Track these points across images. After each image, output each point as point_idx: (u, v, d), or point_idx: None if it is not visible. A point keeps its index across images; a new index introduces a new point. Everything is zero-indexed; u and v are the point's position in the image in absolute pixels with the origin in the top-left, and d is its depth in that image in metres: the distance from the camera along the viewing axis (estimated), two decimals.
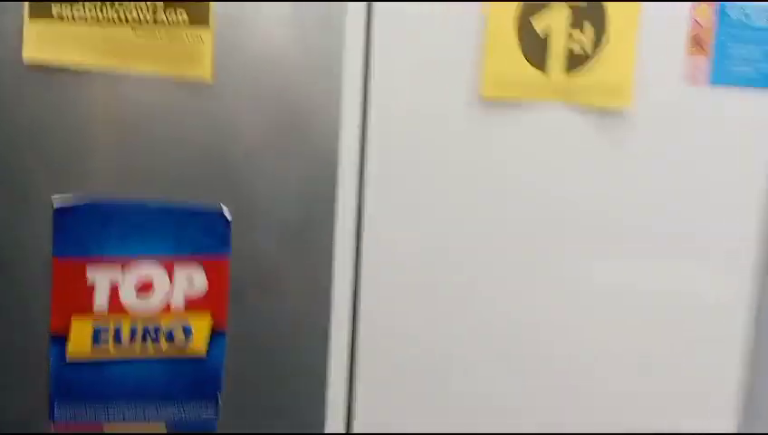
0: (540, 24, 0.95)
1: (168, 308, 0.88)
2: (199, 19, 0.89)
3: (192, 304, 0.89)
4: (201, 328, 0.89)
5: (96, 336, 0.86)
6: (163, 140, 0.92)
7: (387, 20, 0.93)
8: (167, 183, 0.92)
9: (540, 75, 0.96)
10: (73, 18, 0.85)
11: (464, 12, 0.94)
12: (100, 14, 0.86)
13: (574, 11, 0.95)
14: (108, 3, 0.86)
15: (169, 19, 0.88)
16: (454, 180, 0.98)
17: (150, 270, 0.89)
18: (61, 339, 0.85)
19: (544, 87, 0.96)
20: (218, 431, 0.93)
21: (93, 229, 0.88)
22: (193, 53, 0.89)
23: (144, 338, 0.88)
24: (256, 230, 0.94)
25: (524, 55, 0.95)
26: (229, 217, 0.92)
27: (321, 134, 0.94)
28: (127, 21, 0.87)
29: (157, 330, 0.88)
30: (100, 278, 0.88)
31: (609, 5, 0.95)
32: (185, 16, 0.88)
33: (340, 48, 0.92)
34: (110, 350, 0.87)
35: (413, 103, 0.96)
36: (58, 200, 0.85)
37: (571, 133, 0.99)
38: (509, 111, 0.97)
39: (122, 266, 0.89)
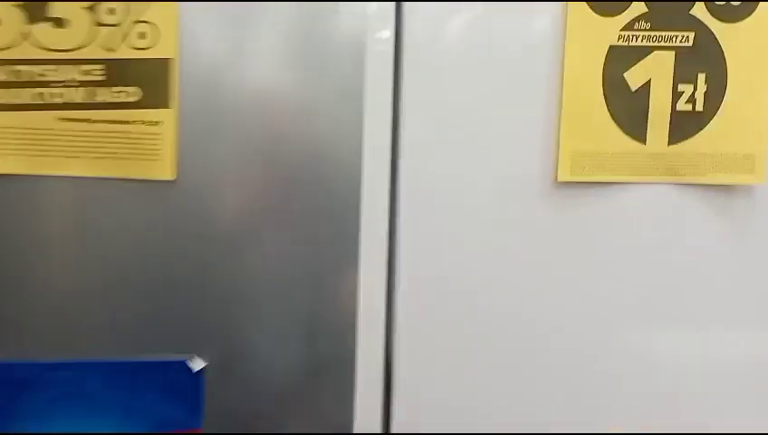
0: (635, 76, 0.67)
1: None
2: (156, 99, 0.63)
3: None
4: None
5: None
6: (117, 236, 0.65)
7: (417, 75, 0.67)
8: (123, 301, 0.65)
9: (637, 148, 0.68)
10: None
11: (527, 67, 0.67)
12: (11, 97, 0.61)
13: (680, 55, 0.67)
14: (21, 83, 0.61)
15: (112, 100, 0.63)
16: (504, 276, 0.70)
17: None
18: None
19: (644, 164, 0.68)
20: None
21: None
22: (147, 146, 0.63)
23: None
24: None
25: (616, 122, 0.68)
26: (199, 369, 0.64)
27: (340, 213, 0.67)
28: (53, 106, 0.62)
29: None
30: None
31: (726, 43, 0.67)
32: (135, 96, 0.63)
33: (361, 111, 0.66)
34: None
35: (459, 190, 0.68)
36: None
37: (675, 217, 0.70)
38: (590, 190, 0.69)
39: None
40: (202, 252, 0.64)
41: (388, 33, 0.65)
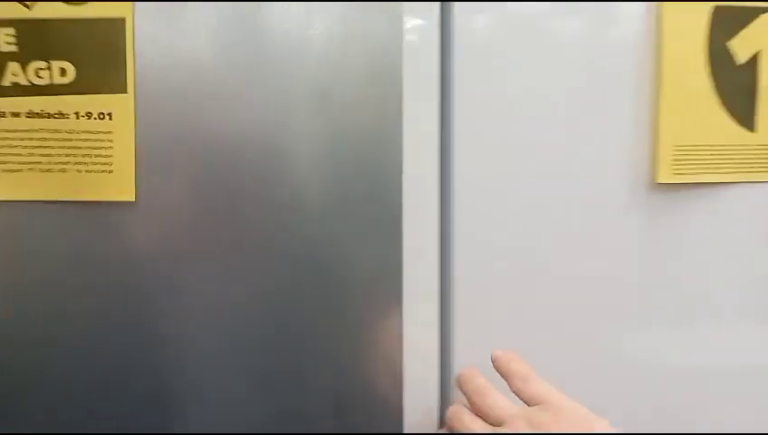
0: (741, 46, 0.52)
1: None
2: (101, 80, 0.41)
3: None
4: None
5: None
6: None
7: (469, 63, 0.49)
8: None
9: (747, 139, 0.53)
10: None
11: (610, 47, 0.51)
12: None
13: None
14: None
15: (33, 82, 0.41)
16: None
17: None
18: None
19: (753, 159, 0.53)
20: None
21: None
22: (92, 150, 0.41)
23: None
24: None
25: (724, 106, 0.52)
26: None
27: (376, 234, 0.47)
28: None
29: None
30: None
31: None
32: (68, 76, 0.41)
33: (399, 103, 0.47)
34: None
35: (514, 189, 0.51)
36: None
37: None
38: (690, 193, 0.53)
39: None
40: (178, 297, 0.43)
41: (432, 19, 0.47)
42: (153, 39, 0.42)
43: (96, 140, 0.41)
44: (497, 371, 0.45)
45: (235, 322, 0.45)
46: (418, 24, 0.46)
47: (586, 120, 0.50)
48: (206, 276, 0.44)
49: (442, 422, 0.49)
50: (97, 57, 0.41)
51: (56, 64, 0.41)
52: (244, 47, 0.44)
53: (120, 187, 0.42)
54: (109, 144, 0.41)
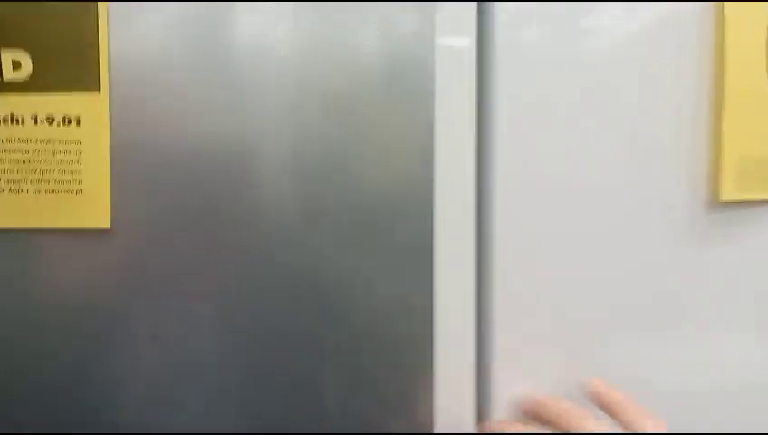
0: None
1: None
2: (67, 75, 0.33)
3: None
4: None
5: None
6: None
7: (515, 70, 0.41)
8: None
9: None
10: None
11: (663, 49, 0.44)
12: None
13: None
14: None
15: None
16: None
17: None
18: None
19: None
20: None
21: None
22: (55, 165, 0.33)
23: None
24: None
25: None
26: None
27: (404, 260, 0.40)
28: None
29: None
30: None
31: None
32: (23, 70, 0.32)
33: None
34: None
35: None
36: None
37: None
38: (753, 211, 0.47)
39: None
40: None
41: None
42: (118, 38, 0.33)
43: (60, 152, 0.33)
44: (595, 403, 0.40)
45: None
46: (451, 23, 0.39)
47: (638, 129, 0.43)
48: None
49: None
50: (60, 46, 0.32)
51: (8, 55, 0.32)
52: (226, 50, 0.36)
53: (92, 210, 0.33)
54: (76, 156, 0.33)
